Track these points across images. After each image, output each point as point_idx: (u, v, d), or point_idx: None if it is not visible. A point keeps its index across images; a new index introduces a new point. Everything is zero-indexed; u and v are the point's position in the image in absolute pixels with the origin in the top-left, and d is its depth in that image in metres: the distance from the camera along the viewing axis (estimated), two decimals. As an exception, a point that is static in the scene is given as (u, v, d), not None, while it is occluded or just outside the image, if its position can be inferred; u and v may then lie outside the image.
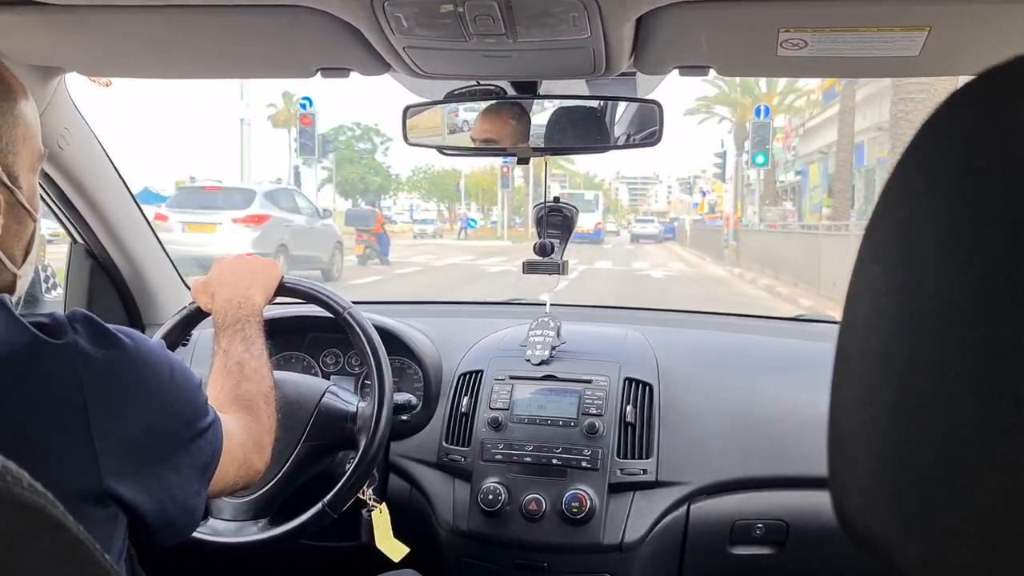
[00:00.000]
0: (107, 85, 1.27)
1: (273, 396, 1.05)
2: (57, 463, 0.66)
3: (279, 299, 1.28)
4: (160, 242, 1.78)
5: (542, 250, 1.45)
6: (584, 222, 28.45)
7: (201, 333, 1.52)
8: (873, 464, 0.35)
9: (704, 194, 45.94)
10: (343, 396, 1.37)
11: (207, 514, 1.27)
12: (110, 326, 0.73)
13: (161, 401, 0.75)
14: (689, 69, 1.08)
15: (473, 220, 39.30)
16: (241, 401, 0.98)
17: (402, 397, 1.46)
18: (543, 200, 1.48)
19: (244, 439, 0.92)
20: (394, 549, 1.38)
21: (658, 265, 20.27)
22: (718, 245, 22.27)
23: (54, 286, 1.61)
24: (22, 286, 0.77)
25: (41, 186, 1.45)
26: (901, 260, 0.34)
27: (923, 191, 0.34)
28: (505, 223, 38.47)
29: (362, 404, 1.35)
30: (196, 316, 1.29)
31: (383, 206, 46.25)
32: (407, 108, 1.27)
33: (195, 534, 1.21)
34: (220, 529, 1.26)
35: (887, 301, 0.35)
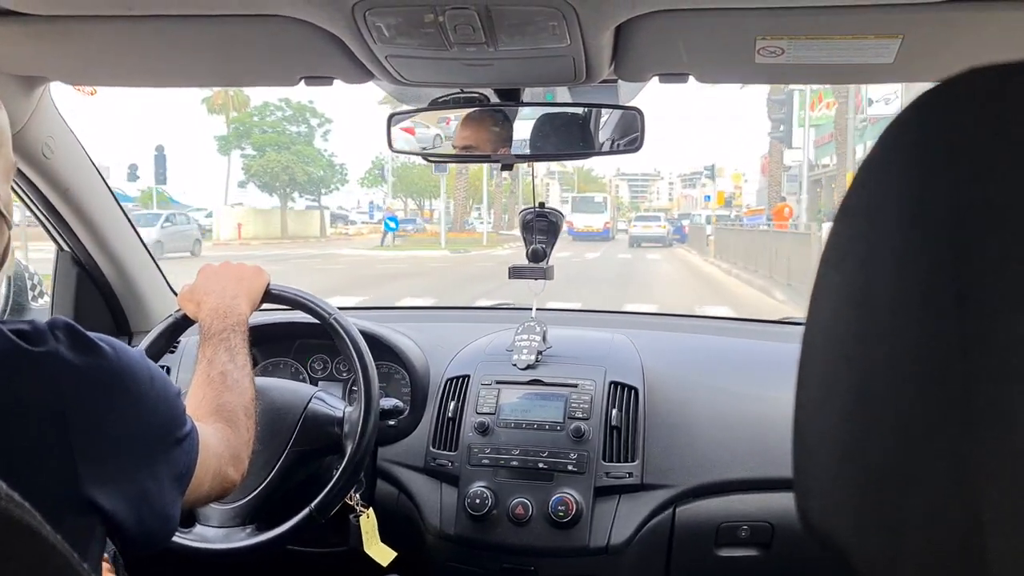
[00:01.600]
0: (92, 94, 1.27)
1: (254, 408, 1.05)
2: (36, 471, 0.66)
3: (265, 305, 1.28)
4: (148, 249, 1.78)
5: (535, 256, 1.47)
6: (594, 222, 28.14)
7: (189, 339, 1.52)
8: (832, 466, 0.36)
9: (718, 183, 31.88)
10: (329, 401, 1.37)
11: (194, 521, 1.28)
12: (91, 334, 0.73)
13: (141, 410, 0.75)
14: (669, 76, 1.09)
15: (393, 219, 27.93)
16: (222, 412, 0.98)
17: (389, 402, 1.47)
18: (531, 205, 1.50)
19: (221, 450, 0.91)
20: (381, 554, 1.39)
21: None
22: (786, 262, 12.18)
23: (41, 294, 1.61)
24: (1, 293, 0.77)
25: (27, 194, 1.45)
26: (858, 266, 0.36)
27: (877, 201, 0.35)
28: (443, 223, 28.03)
29: (349, 409, 1.35)
30: (182, 324, 1.29)
31: (328, 203, 38.10)
32: (391, 116, 1.28)
33: (183, 541, 1.21)
34: (208, 536, 1.26)
35: (844, 306, 0.36)
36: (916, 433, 0.31)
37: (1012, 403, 0.29)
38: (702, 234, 23.79)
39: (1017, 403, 0.29)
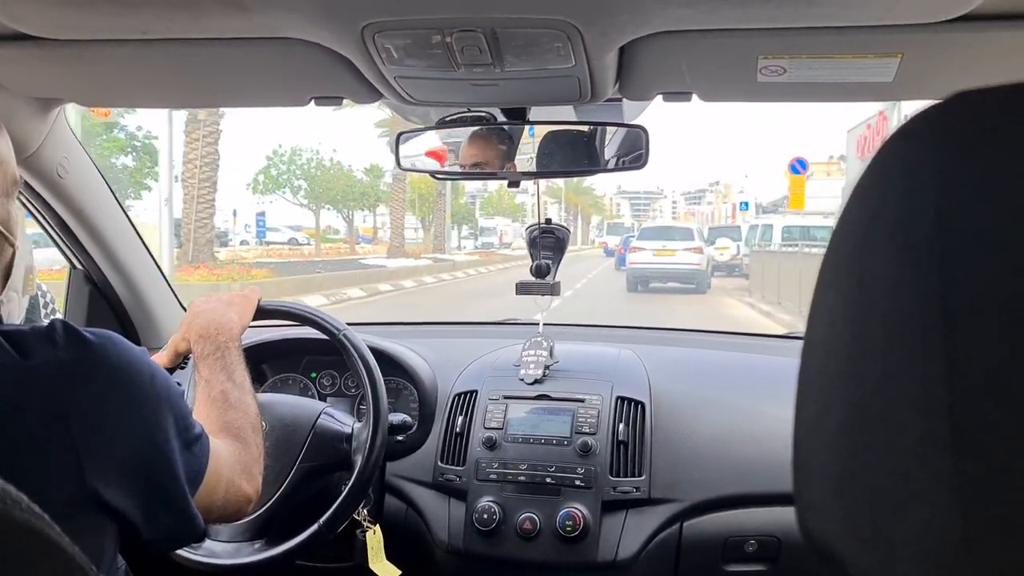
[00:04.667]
0: (105, 116, 1.30)
1: (259, 424, 1.04)
2: (41, 473, 0.67)
3: (274, 321, 1.29)
4: (159, 267, 1.80)
5: (538, 271, 1.48)
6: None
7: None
8: (830, 481, 0.37)
9: (803, 168, 16.72)
10: (338, 417, 1.38)
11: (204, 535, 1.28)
12: (89, 332, 0.74)
13: (144, 406, 0.76)
14: (672, 95, 1.11)
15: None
16: (229, 430, 0.98)
17: (397, 417, 1.48)
18: (536, 222, 1.52)
19: (233, 462, 0.92)
20: (386, 571, 1.39)
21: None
22: None
23: (53, 312, 1.63)
24: (7, 312, 0.78)
25: (40, 213, 1.48)
26: (853, 285, 0.37)
27: (870, 222, 0.36)
28: (166, 244, 11.17)
29: (357, 425, 1.36)
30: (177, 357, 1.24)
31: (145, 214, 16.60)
32: (400, 135, 1.30)
33: (191, 556, 1.22)
34: (216, 551, 1.27)
35: (841, 324, 0.37)
36: (908, 451, 0.32)
37: (997, 422, 0.30)
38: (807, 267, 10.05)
39: (1001, 422, 0.30)
